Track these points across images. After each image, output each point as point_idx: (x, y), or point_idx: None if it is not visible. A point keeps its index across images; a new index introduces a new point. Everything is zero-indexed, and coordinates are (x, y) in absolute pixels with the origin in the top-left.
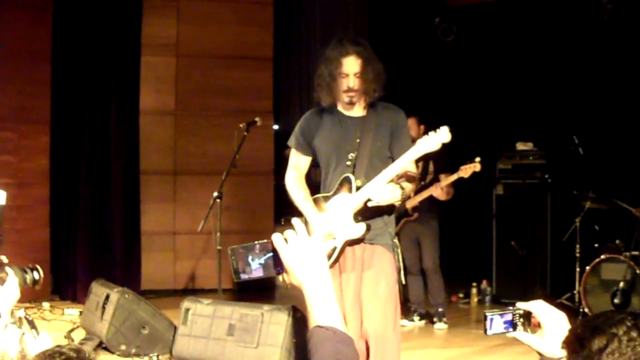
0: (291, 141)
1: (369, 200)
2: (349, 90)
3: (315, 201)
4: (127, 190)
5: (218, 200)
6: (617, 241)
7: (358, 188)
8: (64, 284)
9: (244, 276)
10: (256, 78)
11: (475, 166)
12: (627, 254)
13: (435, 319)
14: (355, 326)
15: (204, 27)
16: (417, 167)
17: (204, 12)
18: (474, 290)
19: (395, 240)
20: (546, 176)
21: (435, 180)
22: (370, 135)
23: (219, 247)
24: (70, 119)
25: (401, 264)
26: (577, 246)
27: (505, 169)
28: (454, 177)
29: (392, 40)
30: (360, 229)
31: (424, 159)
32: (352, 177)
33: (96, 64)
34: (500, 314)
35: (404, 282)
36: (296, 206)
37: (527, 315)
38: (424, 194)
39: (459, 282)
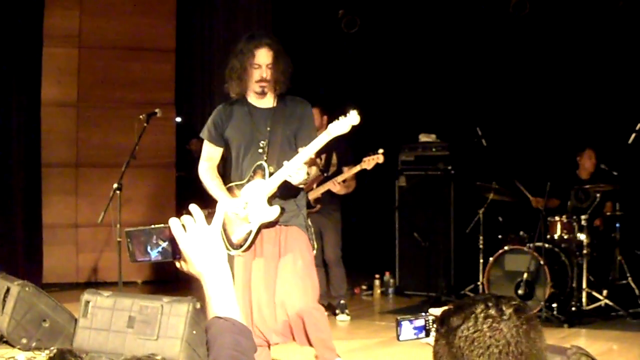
0: (204, 133)
1: (284, 181)
2: (262, 80)
3: (230, 189)
4: (29, 183)
5: (118, 192)
6: (521, 232)
7: (271, 174)
8: None
9: (140, 258)
10: (158, 70)
11: (378, 158)
12: (531, 245)
13: (337, 311)
14: (271, 306)
15: (106, 18)
16: (321, 158)
17: (107, 3)
18: (377, 282)
19: (309, 221)
20: (449, 168)
21: (339, 172)
22: (281, 124)
23: (119, 239)
24: None
25: (315, 243)
26: (481, 237)
27: (407, 161)
28: (357, 168)
29: (295, 32)
30: (274, 211)
31: (328, 151)
32: (265, 164)
33: None
34: (413, 319)
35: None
36: (210, 195)
37: None
38: (326, 187)
39: (362, 273)
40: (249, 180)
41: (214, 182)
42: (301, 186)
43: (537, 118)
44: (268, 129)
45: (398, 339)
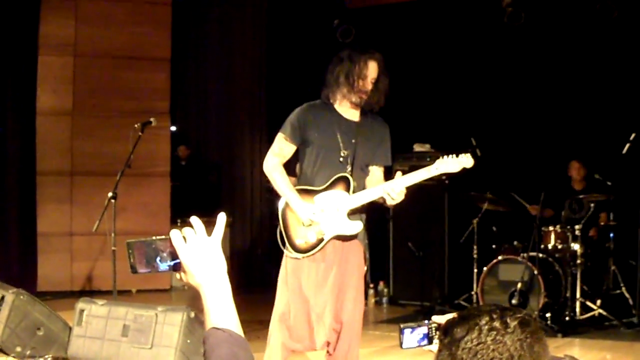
0: (285, 129)
1: (381, 198)
2: (364, 92)
3: (298, 192)
4: (23, 191)
5: (113, 200)
6: (515, 242)
7: (354, 188)
8: None
9: (141, 270)
10: (153, 79)
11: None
12: (525, 255)
13: None
14: (332, 310)
15: (102, 27)
16: None
17: (102, 12)
18: (371, 292)
19: (366, 236)
20: (443, 177)
21: None
22: (365, 140)
23: (113, 248)
24: None
25: (368, 257)
26: (475, 247)
27: (402, 170)
28: None
29: (290, 42)
30: (356, 226)
31: None
32: (350, 177)
33: None
34: (416, 327)
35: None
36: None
37: None
38: None
39: None
40: (326, 189)
41: (285, 180)
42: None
43: (532, 128)
44: (353, 141)
45: (401, 346)
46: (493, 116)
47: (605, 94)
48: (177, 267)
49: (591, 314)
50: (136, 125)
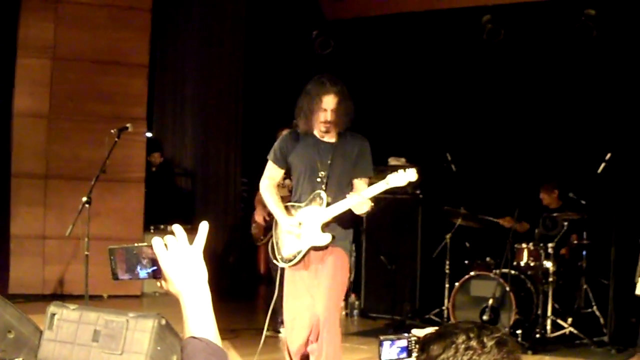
0: (270, 155)
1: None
2: (326, 122)
3: (286, 208)
4: None
5: (87, 205)
6: (488, 258)
7: (328, 204)
8: None
9: (122, 276)
10: (131, 84)
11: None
12: (497, 271)
13: None
14: (314, 314)
15: (81, 30)
16: (291, 179)
17: (82, 15)
18: (342, 304)
19: (353, 246)
20: (418, 192)
21: None
22: (340, 159)
23: (86, 253)
24: None
25: (353, 268)
26: (447, 262)
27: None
28: None
29: (268, 52)
30: (325, 238)
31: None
32: (324, 194)
33: None
34: (395, 340)
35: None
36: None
37: None
38: None
39: None
40: (306, 205)
41: (274, 198)
42: (360, 214)
43: (508, 145)
44: (329, 162)
45: (380, 358)
46: (469, 132)
47: (583, 113)
48: (157, 275)
49: (562, 332)
50: (112, 131)
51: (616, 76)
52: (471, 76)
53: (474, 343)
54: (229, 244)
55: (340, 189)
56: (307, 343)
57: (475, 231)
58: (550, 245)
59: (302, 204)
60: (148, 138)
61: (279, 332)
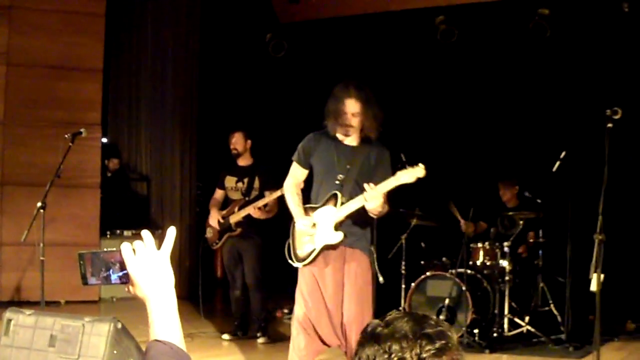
0: (294, 156)
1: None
2: (347, 125)
3: (305, 209)
4: None
5: (42, 210)
6: (444, 259)
7: (342, 204)
8: None
9: (91, 281)
10: (85, 89)
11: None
12: (453, 271)
13: (258, 334)
14: (336, 313)
15: (35, 36)
16: (244, 182)
17: (36, 21)
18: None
19: (372, 247)
20: None
21: (261, 196)
22: (359, 163)
23: (42, 258)
24: None
25: (376, 267)
26: (403, 263)
27: None
28: (278, 193)
29: (223, 55)
30: (337, 236)
31: (250, 175)
32: (339, 194)
33: None
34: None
35: (381, 281)
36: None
37: None
38: (246, 211)
39: (284, 297)
40: (322, 205)
41: (294, 198)
42: (373, 215)
43: (464, 144)
44: (348, 166)
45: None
46: (424, 132)
47: (537, 111)
48: (125, 279)
49: (519, 330)
50: (66, 136)
51: (570, 75)
52: (426, 77)
53: (407, 355)
54: (184, 248)
55: (357, 192)
56: (323, 342)
57: (430, 231)
58: (506, 244)
59: (318, 205)
60: (106, 144)
61: (256, 337)
